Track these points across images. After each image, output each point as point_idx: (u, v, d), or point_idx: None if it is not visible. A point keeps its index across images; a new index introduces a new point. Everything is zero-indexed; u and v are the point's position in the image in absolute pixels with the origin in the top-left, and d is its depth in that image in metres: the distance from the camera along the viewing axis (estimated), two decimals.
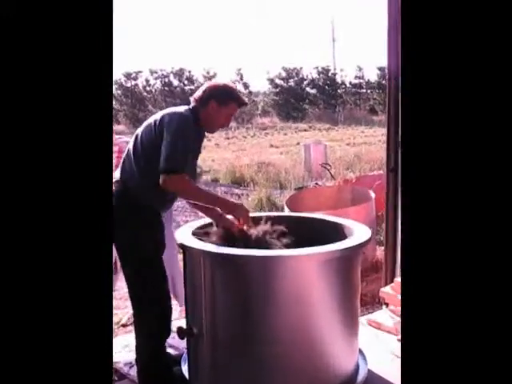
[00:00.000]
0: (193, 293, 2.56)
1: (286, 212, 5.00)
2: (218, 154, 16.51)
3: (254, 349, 2.40)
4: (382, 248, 4.82)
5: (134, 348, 2.93)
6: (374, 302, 4.29)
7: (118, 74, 35.91)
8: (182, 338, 2.63)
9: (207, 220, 2.91)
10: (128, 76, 35.65)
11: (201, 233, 2.73)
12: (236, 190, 10.36)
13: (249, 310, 2.40)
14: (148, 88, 36.40)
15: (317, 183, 7.55)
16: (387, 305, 3.87)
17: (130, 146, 2.91)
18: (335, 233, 2.75)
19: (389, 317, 3.71)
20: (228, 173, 11.79)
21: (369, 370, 2.79)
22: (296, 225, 2.93)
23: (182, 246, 2.51)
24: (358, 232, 2.61)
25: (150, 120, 2.87)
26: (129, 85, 35.77)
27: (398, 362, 3.21)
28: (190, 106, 2.91)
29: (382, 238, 5.81)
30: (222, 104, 2.86)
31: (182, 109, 2.88)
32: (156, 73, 36.46)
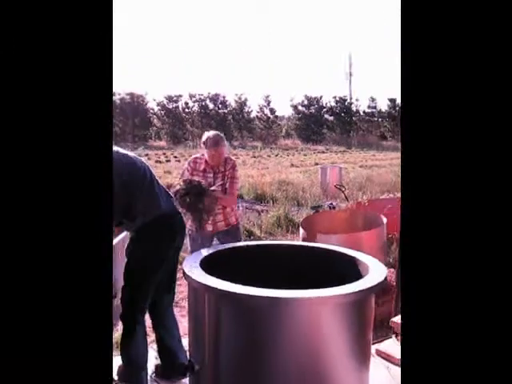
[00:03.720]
0: (196, 328, 2.13)
1: (301, 233, 4.58)
2: (244, 171, 16.21)
3: None
4: (392, 270, 4.38)
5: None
6: (382, 326, 3.79)
7: (160, 97, 36.09)
8: (184, 374, 2.20)
9: (219, 247, 2.51)
10: (170, 99, 35.71)
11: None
12: (257, 206, 9.95)
13: (254, 350, 1.95)
14: (187, 110, 36.44)
15: (331, 203, 7.11)
16: (397, 334, 3.40)
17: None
18: (351, 269, 2.31)
19: (398, 348, 3.23)
20: (251, 189, 11.40)
21: None
22: (312, 256, 2.54)
23: (187, 277, 2.07)
24: (375, 269, 2.16)
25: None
26: (170, 106, 35.82)
27: None
28: None
29: (391, 260, 5.38)
30: None
31: None
32: (194, 97, 36.52)
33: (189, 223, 3.61)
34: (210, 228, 3.94)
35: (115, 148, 2.96)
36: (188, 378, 2.27)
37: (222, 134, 4.18)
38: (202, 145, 4.06)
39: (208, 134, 4.05)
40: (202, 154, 4.10)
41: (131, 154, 3.02)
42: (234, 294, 1.87)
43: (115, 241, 2.98)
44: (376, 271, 2.14)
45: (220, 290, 1.90)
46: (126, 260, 2.90)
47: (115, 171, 2.75)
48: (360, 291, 1.93)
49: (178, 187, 3.05)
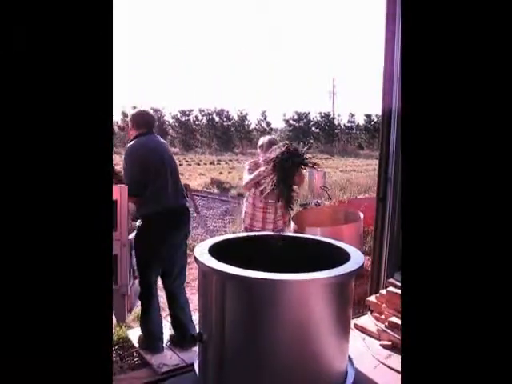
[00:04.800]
0: (204, 304, 2.10)
1: (293, 226, 4.54)
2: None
3: (255, 357, 1.93)
4: (367, 257, 4.37)
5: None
6: (359, 304, 3.79)
7: (175, 111, 35.95)
8: (194, 343, 2.18)
9: (223, 237, 2.48)
10: (183, 113, 35.58)
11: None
12: None
13: (253, 323, 1.93)
14: (197, 122, 36.25)
15: (317, 201, 7.04)
16: (372, 311, 3.38)
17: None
18: (334, 256, 2.27)
19: (372, 323, 3.22)
20: None
21: (356, 370, 2.29)
22: (303, 245, 2.52)
23: (197, 262, 2.05)
24: (354, 257, 2.14)
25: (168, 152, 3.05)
26: (183, 119, 35.67)
27: (381, 365, 2.72)
28: None
29: (367, 249, 5.35)
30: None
31: None
32: (203, 111, 36.36)
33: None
34: (270, 226, 3.60)
35: (152, 136, 2.92)
36: (197, 346, 2.25)
37: (277, 138, 3.77)
38: (258, 149, 3.59)
39: (263, 138, 3.64)
40: (259, 159, 3.69)
41: (164, 149, 2.96)
42: (238, 276, 1.86)
43: (132, 235, 2.95)
44: (355, 258, 2.13)
45: (225, 272, 1.89)
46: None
47: (141, 151, 2.75)
48: (342, 275, 1.92)
49: (278, 151, 2.45)
